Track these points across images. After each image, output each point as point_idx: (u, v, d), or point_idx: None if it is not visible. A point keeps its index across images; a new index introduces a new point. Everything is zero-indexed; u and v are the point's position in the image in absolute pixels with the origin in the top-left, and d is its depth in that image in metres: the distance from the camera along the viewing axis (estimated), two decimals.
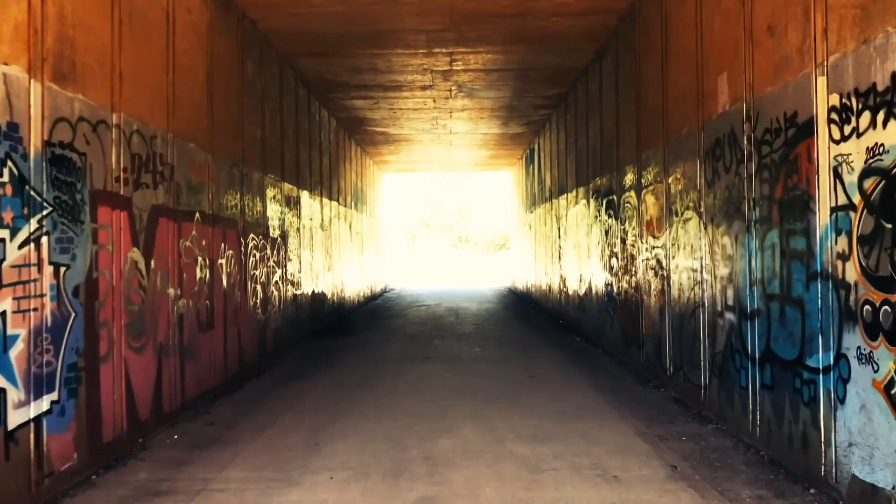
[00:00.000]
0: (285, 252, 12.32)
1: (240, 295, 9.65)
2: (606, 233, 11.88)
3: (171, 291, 7.37)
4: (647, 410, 7.60)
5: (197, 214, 8.16)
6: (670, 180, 8.41)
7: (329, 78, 13.96)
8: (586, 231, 13.60)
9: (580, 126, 14.12)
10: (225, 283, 9.05)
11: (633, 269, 10.15)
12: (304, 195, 14.05)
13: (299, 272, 13.42)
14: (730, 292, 6.69)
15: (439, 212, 56.16)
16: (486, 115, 17.85)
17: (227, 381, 8.98)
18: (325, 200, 16.33)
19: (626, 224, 10.54)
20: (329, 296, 16.58)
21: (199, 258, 8.21)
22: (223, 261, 9.01)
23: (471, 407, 7.76)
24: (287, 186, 12.56)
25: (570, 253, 15.42)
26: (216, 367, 8.66)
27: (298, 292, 13.33)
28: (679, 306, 8.16)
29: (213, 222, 8.64)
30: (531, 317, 18.04)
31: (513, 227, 30.35)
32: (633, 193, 10.19)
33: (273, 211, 11.57)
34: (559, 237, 16.96)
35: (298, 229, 13.41)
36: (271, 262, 11.40)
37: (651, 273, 9.26)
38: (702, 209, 7.43)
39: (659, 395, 8.48)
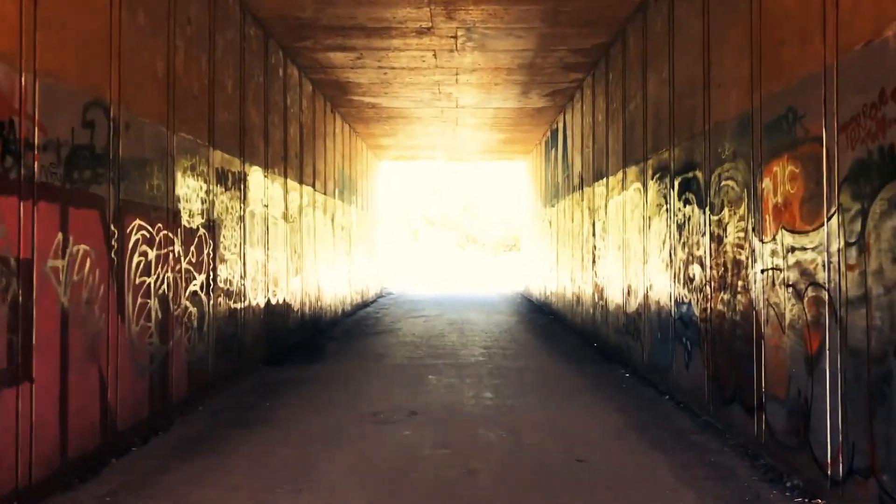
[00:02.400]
0: (214, 249, 8.60)
1: (104, 317, 5.92)
2: (680, 227, 8.12)
3: None
4: None
5: None
6: (843, 136, 4.64)
7: (289, 13, 10.24)
8: (640, 225, 9.84)
9: (633, 83, 10.35)
10: (64, 299, 5.33)
11: (741, 282, 6.39)
12: (255, 172, 10.33)
13: (242, 277, 9.70)
14: None
15: (444, 208, 52.34)
16: (502, 80, 14.08)
17: (67, 468, 5.28)
18: (292, 183, 12.60)
19: (724, 213, 6.78)
20: (296, 307, 12.86)
21: None
22: (60, 262, 5.28)
23: None
24: (220, 156, 8.85)
25: (611, 255, 11.66)
26: (42, 449, 4.95)
27: (239, 305, 9.60)
28: (861, 353, 4.41)
29: (35, 194, 4.93)
30: (555, 336, 14.26)
31: (526, 226, 26.57)
32: (739, 165, 6.43)
33: (190, 188, 7.86)
34: (593, 235, 13.20)
35: (241, 218, 9.69)
36: (184, 264, 7.68)
37: (785, 291, 5.49)
38: None
39: None
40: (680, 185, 8.13)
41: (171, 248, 7.31)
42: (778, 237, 5.62)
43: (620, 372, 10.02)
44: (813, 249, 5.06)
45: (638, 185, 9.98)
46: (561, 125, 17.28)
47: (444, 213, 52.67)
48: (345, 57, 12.50)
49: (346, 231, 18.44)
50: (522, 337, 14.00)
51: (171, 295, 7.31)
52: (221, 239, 8.90)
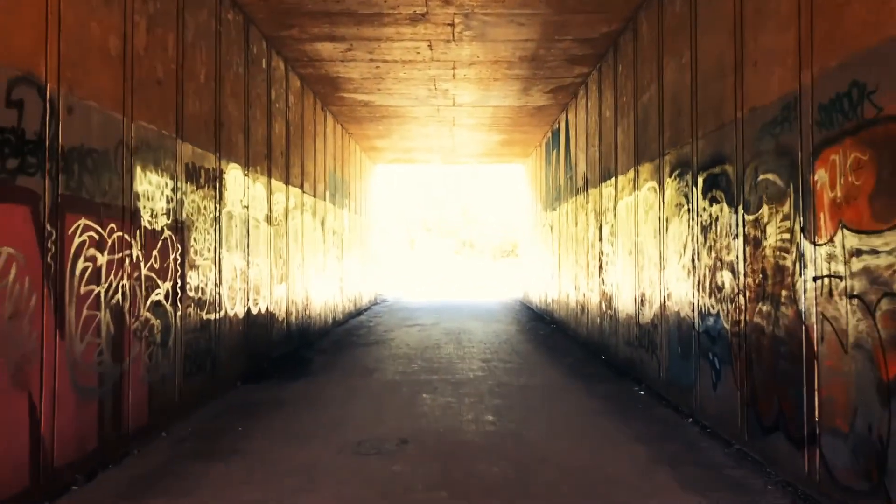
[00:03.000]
0: (182, 253, 7.67)
1: (37, 335, 4.99)
2: (705, 229, 7.22)
3: None
4: None
5: None
6: None
7: None
8: (656, 228, 8.94)
9: (646, 73, 9.47)
10: None
11: (785, 291, 5.48)
12: (233, 170, 9.41)
13: (217, 285, 8.77)
14: None
15: (442, 214, 51.42)
16: (502, 74, 13.19)
17: None
18: (277, 184, 11.69)
19: (763, 212, 5.88)
20: (281, 317, 11.93)
21: None
22: None
23: None
24: (191, 150, 7.93)
25: (621, 261, 10.76)
26: None
27: (213, 316, 8.67)
28: None
29: None
30: (559, 348, 13.33)
31: (526, 231, 25.66)
32: (782, 155, 5.53)
33: (152, 185, 6.94)
34: (600, 239, 12.30)
35: (217, 219, 8.77)
36: (144, 271, 6.75)
37: (848, 303, 4.58)
38: None
39: None
40: (705, 181, 7.23)
41: (127, 252, 6.38)
42: (837, 238, 4.71)
43: (634, 389, 9.10)
44: (889, 253, 4.15)
45: (653, 183, 9.09)
46: (563, 124, 16.40)
47: (441, 219, 51.76)
48: (333, 48, 11.61)
49: (337, 236, 17.52)
50: (524, 348, 13.07)
51: (127, 306, 6.38)
52: (192, 242, 7.97)
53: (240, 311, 9.70)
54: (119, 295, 6.24)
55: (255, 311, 10.37)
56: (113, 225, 6.13)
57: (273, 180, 11.41)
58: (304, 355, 11.98)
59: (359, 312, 20.70)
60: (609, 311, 11.61)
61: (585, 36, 10.93)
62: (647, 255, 9.39)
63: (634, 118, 10.01)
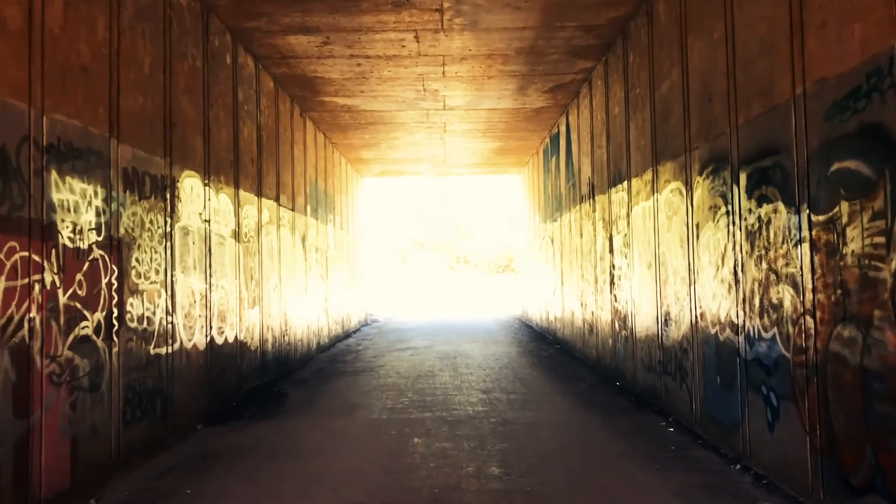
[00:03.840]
0: (120, 277, 6.35)
1: None
2: (752, 235, 5.95)
3: None
4: None
5: None
6: None
7: None
8: (682, 236, 7.68)
9: (665, 59, 8.25)
10: None
11: (879, 311, 4.20)
12: (189, 178, 8.12)
13: (169, 313, 7.43)
14: None
15: (434, 229, 50.12)
16: (497, 71, 11.97)
17: None
18: (247, 195, 10.40)
19: (841, 210, 4.61)
20: (254, 345, 10.58)
21: None
22: None
23: None
24: (131, 153, 6.64)
25: (638, 275, 9.49)
26: None
27: (164, 350, 7.33)
28: None
29: None
30: (566, 373, 12.01)
31: (524, 245, 24.39)
32: (870, 136, 4.29)
33: (76, 193, 5.64)
34: (610, 251, 11.03)
35: (168, 235, 7.45)
36: (63, 299, 5.42)
37: None
38: None
39: None
40: (750, 177, 5.98)
41: (36, 276, 5.07)
42: None
43: (660, 425, 7.79)
44: None
45: (677, 184, 7.84)
46: (563, 128, 15.19)
47: (433, 235, 50.47)
48: (308, 42, 10.36)
49: (321, 253, 16.21)
50: (527, 374, 11.75)
51: (36, 345, 5.05)
52: (133, 263, 6.65)
53: (200, 342, 8.36)
54: (24, 331, 4.91)
55: (219, 340, 9.03)
56: (14, 243, 4.82)
57: (242, 191, 10.12)
58: (280, 388, 10.63)
59: (347, 335, 19.34)
60: (623, 332, 10.32)
61: (590, 22, 9.73)
62: (671, 268, 8.12)
63: (651, 111, 8.78)
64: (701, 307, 7.18)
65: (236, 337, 9.71)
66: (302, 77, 12.13)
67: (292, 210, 13.29)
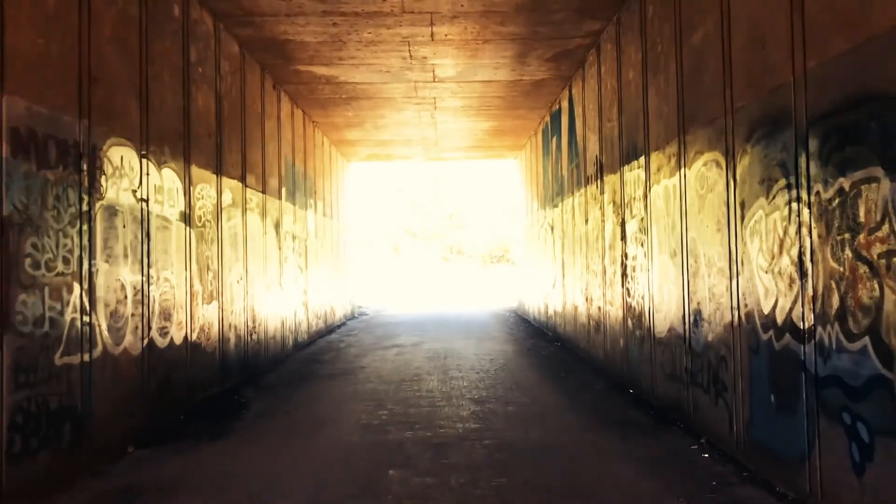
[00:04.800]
0: (5, 267, 4.89)
1: None
2: (826, 215, 4.52)
3: None
4: None
5: None
6: None
7: None
8: (720, 218, 6.25)
9: (695, 4, 6.80)
10: None
11: None
12: (117, 147, 6.64)
13: (85, 312, 5.97)
14: None
15: (428, 219, 48.64)
16: (492, 34, 10.49)
17: None
18: (202, 172, 8.92)
19: None
20: (210, 347, 9.14)
21: None
22: None
23: None
24: (24, 107, 5.16)
25: (659, 265, 8.07)
26: None
27: (78, 358, 5.86)
28: None
29: None
30: (570, 377, 10.60)
31: (520, 233, 22.96)
32: None
33: None
34: (622, 238, 9.61)
35: (85, 216, 5.99)
36: None
37: None
38: None
39: None
40: (826, 137, 4.55)
41: None
42: None
43: (692, 449, 6.39)
44: None
45: (713, 155, 6.41)
46: (566, 103, 13.73)
47: (426, 224, 48.99)
48: None
49: (299, 242, 14.75)
50: (526, 379, 10.34)
51: None
52: (29, 249, 5.20)
53: (133, 346, 6.90)
54: None
55: (162, 343, 7.58)
56: None
57: (194, 168, 8.65)
58: (242, 396, 9.19)
59: (329, 330, 17.90)
60: (638, 332, 8.92)
61: None
62: (703, 257, 6.70)
63: (677, 71, 7.33)
64: (746, 305, 5.77)
65: (186, 338, 8.26)
66: (272, 41, 10.63)
67: (262, 192, 11.81)
